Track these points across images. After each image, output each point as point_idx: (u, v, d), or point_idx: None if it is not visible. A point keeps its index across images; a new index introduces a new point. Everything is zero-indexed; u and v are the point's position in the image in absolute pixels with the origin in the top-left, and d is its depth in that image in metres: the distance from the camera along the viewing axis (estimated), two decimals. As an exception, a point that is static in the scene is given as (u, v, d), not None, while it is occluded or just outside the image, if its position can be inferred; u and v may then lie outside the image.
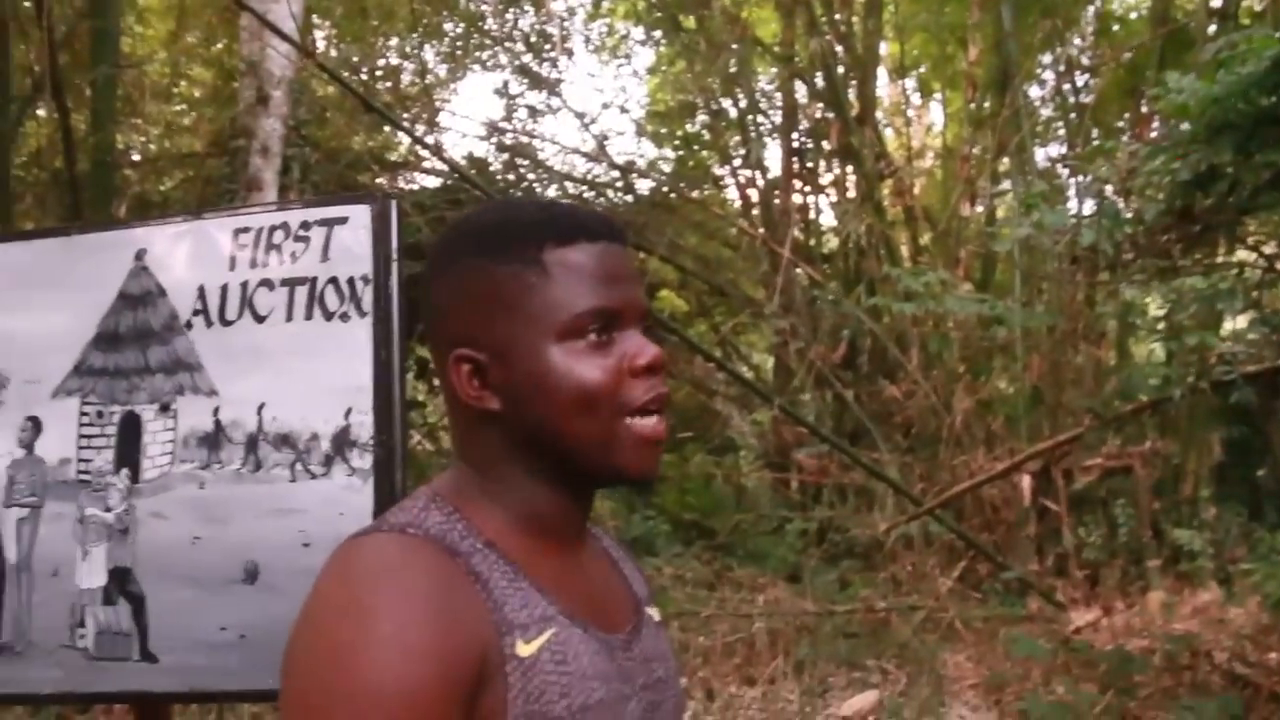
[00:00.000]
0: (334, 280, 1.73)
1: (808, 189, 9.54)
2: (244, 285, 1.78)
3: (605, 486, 1.15)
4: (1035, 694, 5.00)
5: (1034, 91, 9.14)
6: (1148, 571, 6.95)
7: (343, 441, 1.70)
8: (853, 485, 7.72)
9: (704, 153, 10.76)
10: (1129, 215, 4.48)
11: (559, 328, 1.05)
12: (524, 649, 0.99)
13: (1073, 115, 8.82)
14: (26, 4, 5.73)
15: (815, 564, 7.08)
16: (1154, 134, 7.03)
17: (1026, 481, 7.18)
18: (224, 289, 1.79)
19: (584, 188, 9.44)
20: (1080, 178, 5.74)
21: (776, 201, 9.23)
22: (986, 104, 8.90)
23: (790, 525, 7.69)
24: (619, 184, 9.86)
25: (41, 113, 6.72)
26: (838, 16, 8.75)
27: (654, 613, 1.24)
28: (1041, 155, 8.69)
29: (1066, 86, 9.03)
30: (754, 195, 9.59)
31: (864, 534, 7.18)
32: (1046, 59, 9.03)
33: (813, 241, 9.48)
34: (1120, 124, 8.96)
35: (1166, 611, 6.30)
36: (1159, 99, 4.21)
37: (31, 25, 5.59)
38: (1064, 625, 6.08)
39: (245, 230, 1.79)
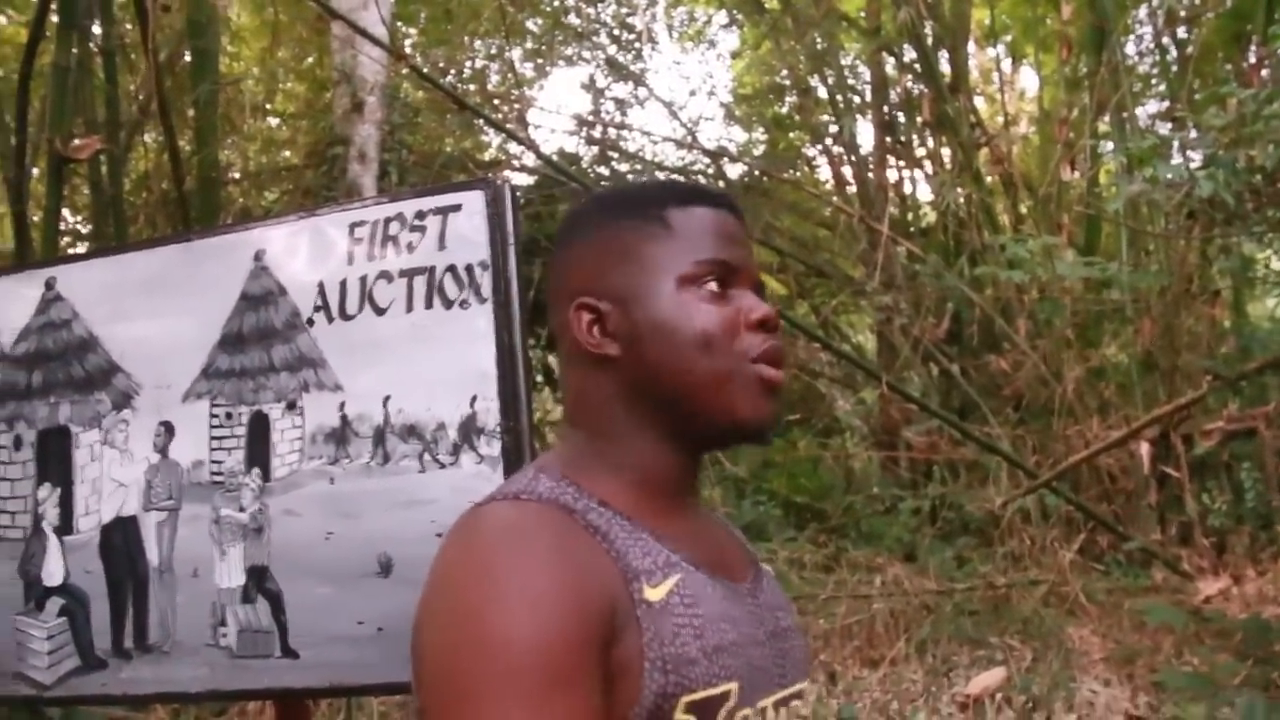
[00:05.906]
0: (452, 268, 1.72)
1: (902, 163, 9.38)
2: (363, 279, 1.78)
3: (718, 441, 1.18)
4: (1170, 665, 4.86)
5: (1130, 48, 8.88)
6: (1278, 537, 6.72)
7: (469, 429, 1.69)
8: (964, 461, 7.59)
9: (794, 133, 10.66)
10: (1242, 165, 4.30)
11: (680, 274, 1.10)
12: (652, 593, 1.00)
13: (1173, 69, 8.54)
14: (129, 26, 5.89)
15: (930, 542, 6.97)
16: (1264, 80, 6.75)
17: (1145, 449, 6.96)
18: (343, 284, 1.80)
19: (677, 176, 9.42)
20: (1187, 131, 5.53)
21: (870, 177, 9.10)
22: (1082, 65, 8.65)
23: (903, 504, 7.58)
24: (710, 170, 9.82)
25: (148, 136, 6.93)
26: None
27: (769, 570, 1.26)
28: (1141, 113, 8.42)
29: (1165, 39, 8.75)
30: (847, 173, 9.48)
31: (979, 510, 7.04)
32: (1143, 12, 8.76)
33: (909, 216, 9.33)
34: (1224, 74, 8.63)
35: (1301, 578, 6.09)
36: (1277, 38, 4.04)
37: (136, 52, 5.75)
38: (1191, 595, 5.90)
39: (360, 224, 1.80)
